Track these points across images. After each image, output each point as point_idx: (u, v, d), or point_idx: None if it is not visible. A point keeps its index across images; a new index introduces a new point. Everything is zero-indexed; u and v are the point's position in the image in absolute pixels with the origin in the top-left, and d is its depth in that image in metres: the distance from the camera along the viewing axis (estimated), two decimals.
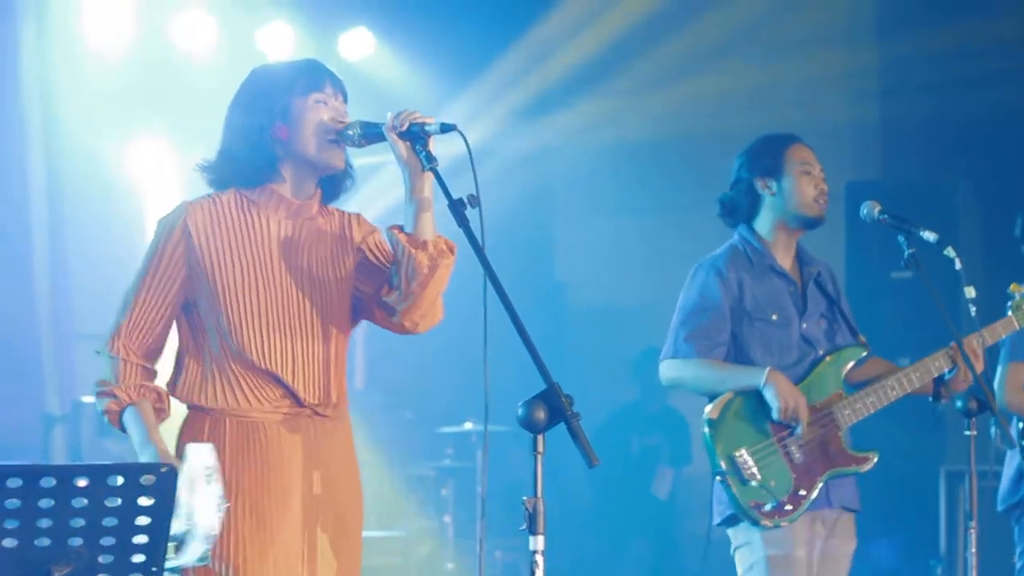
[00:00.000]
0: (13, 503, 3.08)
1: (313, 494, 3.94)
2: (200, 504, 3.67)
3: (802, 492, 5.27)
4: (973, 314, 5.30)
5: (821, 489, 5.30)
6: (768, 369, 5.28)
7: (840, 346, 5.52)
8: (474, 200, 3.63)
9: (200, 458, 3.73)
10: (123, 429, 3.94)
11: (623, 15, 10.50)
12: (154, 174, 9.61)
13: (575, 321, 11.34)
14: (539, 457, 3.47)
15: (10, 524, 3.09)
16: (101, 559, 3.19)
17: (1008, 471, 6.04)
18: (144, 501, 3.19)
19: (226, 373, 3.91)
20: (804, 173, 5.47)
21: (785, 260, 5.54)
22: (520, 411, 3.45)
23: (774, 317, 5.44)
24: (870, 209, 5.42)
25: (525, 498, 3.47)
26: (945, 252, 5.28)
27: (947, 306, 5.25)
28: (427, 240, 3.90)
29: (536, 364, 3.52)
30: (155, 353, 4.01)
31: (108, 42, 9.31)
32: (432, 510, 9.83)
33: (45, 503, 3.10)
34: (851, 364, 5.48)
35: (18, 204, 9.14)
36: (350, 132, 3.93)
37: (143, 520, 3.20)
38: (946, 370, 5.46)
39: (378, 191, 8.89)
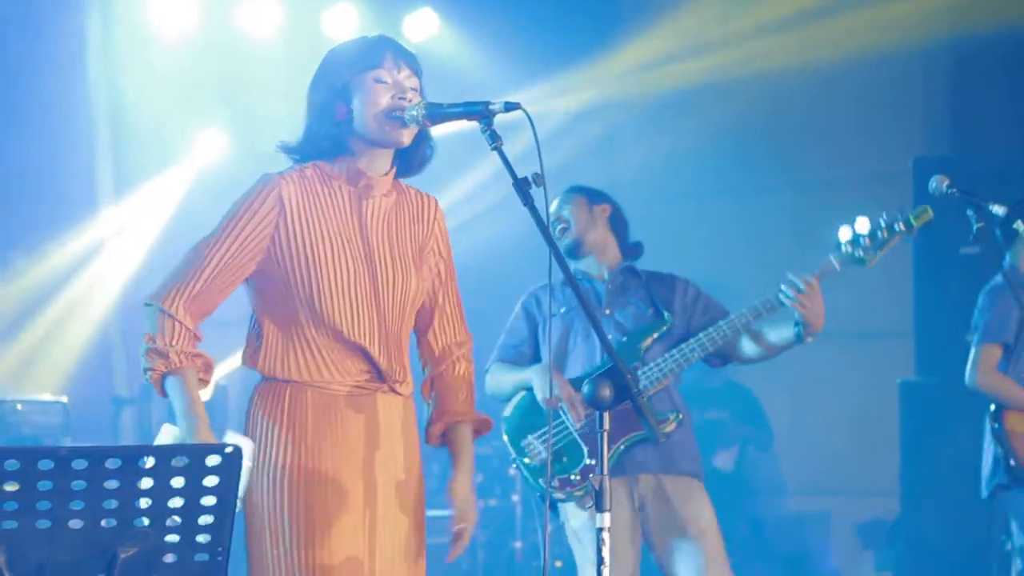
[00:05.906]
0: (79, 484, 3.08)
1: (387, 469, 3.96)
2: None
3: (592, 462, 5.34)
4: None
5: (618, 457, 5.37)
6: (533, 367, 5.42)
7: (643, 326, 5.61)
8: (539, 179, 3.62)
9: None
10: (163, 391, 3.86)
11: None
12: (220, 158, 9.67)
13: None
14: (604, 434, 3.46)
15: (76, 505, 3.10)
16: (167, 539, 3.20)
17: (987, 456, 6.00)
18: (209, 481, 3.19)
19: (310, 345, 3.92)
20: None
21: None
22: (586, 389, 3.44)
23: (562, 309, 5.54)
24: (939, 183, 5.39)
25: (592, 475, 3.47)
26: (1014, 226, 5.24)
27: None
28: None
29: (601, 341, 3.50)
30: (205, 316, 3.95)
31: (174, 29, 9.35)
32: (500, 489, 9.82)
33: (111, 484, 3.10)
34: (653, 337, 5.54)
35: (88, 190, 9.23)
36: (414, 113, 3.93)
37: (208, 500, 3.20)
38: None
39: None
